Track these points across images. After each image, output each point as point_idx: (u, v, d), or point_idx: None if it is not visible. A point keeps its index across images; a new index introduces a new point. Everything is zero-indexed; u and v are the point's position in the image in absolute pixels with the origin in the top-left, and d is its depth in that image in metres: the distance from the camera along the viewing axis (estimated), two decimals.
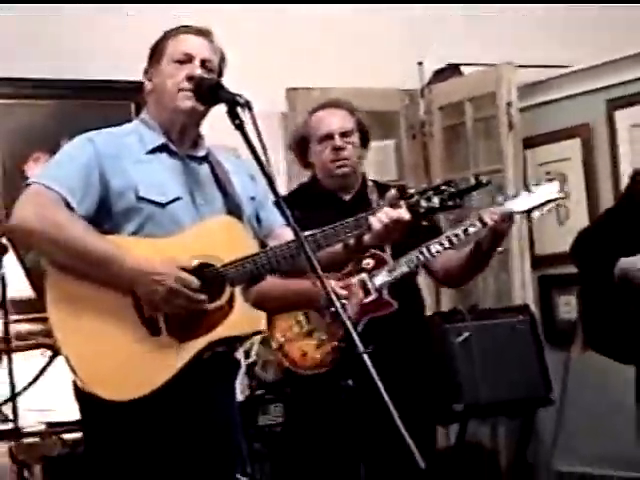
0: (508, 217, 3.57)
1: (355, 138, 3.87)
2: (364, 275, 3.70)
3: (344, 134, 3.84)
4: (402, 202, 2.96)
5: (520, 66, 5.45)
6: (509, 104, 5.43)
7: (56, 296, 2.87)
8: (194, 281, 2.82)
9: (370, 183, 3.96)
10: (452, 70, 5.77)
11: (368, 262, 3.72)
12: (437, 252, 3.65)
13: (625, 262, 3.94)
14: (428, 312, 5.52)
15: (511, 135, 5.46)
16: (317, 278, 2.61)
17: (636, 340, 3.96)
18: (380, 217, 2.94)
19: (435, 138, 5.81)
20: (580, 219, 5.35)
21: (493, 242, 3.64)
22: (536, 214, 3.63)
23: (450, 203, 2.98)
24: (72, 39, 5.01)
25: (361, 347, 2.51)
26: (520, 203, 3.59)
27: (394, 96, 5.78)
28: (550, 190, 3.60)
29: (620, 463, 3.99)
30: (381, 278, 3.70)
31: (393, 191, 3.02)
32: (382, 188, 3.88)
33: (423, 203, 2.97)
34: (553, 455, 5.21)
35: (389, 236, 2.97)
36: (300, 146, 3.93)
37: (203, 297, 2.83)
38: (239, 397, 3.96)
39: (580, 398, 5.21)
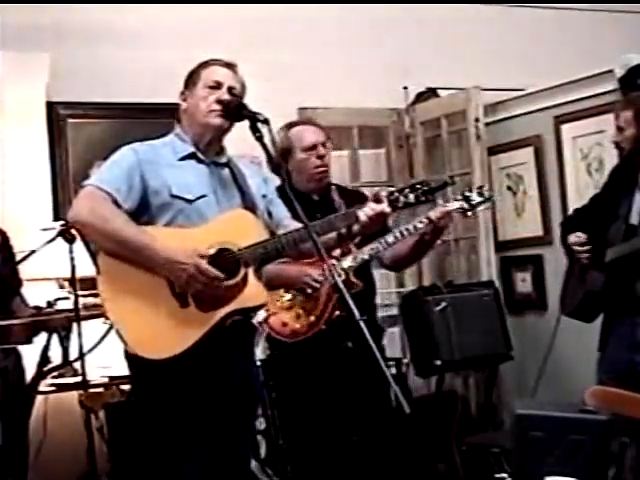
0: (447, 215, 3.37)
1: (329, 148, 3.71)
2: (333, 261, 3.45)
3: (324, 144, 3.68)
4: (384, 198, 2.88)
5: (485, 89, 5.37)
6: (476, 120, 5.34)
7: (105, 275, 2.83)
8: (210, 268, 2.75)
9: (333, 186, 3.78)
10: (430, 93, 5.70)
11: (337, 251, 3.50)
12: (392, 242, 3.47)
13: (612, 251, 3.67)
14: (412, 287, 5.50)
15: (478, 145, 5.36)
16: (320, 258, 2.55)
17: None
18: (366, 211, 2.87)
19: (418, 147, 5.70)
20: (533, 211, 5.29)
21: (435, 234, 3.45)
22: (469, 214, 3.41)
23: (423, 199, 2.89)
24: (126, 72, 4.97)
25: (358, 315, 2.47)
26: (457, 205, 3.39)
27: (385, 114, 5.69)
28: (480, 197, 3.41)
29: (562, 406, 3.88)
30: (347, 263, 3.52)
31: (376, 190, 2.94)
32: (342, 190, 3.79)
33: (401, 199, 2.89)
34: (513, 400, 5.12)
35: (373, 226, 2.90)
36: (282, 157, 3.60)
37: (217, 282, 2.75)
38: (261, 356, 3.86)
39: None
